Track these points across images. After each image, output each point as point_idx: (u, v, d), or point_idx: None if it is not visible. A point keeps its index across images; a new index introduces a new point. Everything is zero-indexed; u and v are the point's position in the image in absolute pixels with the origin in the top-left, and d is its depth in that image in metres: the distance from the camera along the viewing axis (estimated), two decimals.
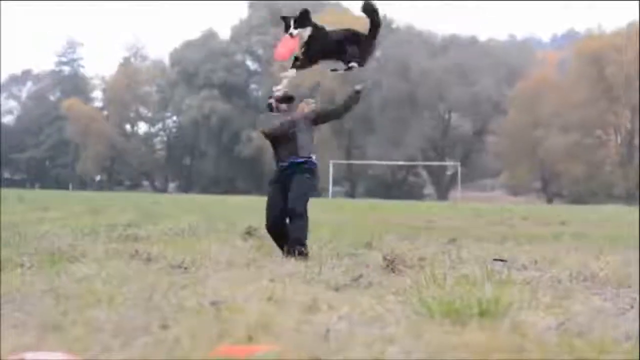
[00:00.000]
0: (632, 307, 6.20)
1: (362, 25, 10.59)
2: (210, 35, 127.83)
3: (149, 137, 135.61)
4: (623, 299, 6.61)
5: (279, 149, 10.61)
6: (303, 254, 9.73)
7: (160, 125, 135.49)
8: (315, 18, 10.29)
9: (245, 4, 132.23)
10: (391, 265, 8.24)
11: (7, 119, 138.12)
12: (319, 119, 10.93)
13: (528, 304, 5.84)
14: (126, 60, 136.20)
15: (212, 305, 5.51)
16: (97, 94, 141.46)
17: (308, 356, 4.07)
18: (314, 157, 10.62)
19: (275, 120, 10.62)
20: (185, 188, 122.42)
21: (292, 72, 10.44)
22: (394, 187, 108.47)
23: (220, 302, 5.62)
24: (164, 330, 4.68)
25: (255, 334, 4.54)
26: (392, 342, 4.45)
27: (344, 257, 9.79)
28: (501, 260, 9.52)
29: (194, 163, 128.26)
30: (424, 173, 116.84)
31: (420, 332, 4.68)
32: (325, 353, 4.14)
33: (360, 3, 10.30)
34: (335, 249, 10.88)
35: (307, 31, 10.19)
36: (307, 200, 10.41)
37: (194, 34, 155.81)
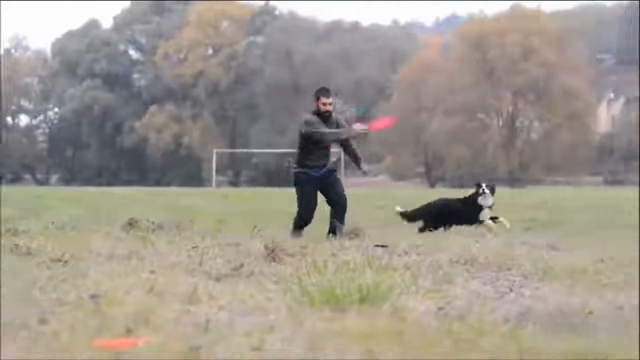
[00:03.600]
0: (510, 290, 6.33)
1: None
2: (92, 25, 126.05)
3: (30, 129, 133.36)
4: (502, 282, 6.74)
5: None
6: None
7: (41, 117, 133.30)
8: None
9: None
10: (272, 254, 8.24)
11: None
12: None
13: (408, 289, 5.90)
14: (7, 51, 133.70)
15: (91, 299, 5.45)
16: None
17: (187, 347, 4.06)
18: None
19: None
20: (68, 180, 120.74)
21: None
22: (279, 175, 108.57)
23: (100, 295, 5.57)
24: (43, 324, 4.62)
25: (134, 326, 4.52)
26: (272, 331, 4.48)
27: (225, 246, 9.75)
28: (382, 246, 9.57)
29: (77, 155, 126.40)
30: None
31: (301, 320, 4.72)
32: (205, 343, 4.14)
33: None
34: (217, 238, 10.86)
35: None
36: None
37: (76, 23, 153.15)
